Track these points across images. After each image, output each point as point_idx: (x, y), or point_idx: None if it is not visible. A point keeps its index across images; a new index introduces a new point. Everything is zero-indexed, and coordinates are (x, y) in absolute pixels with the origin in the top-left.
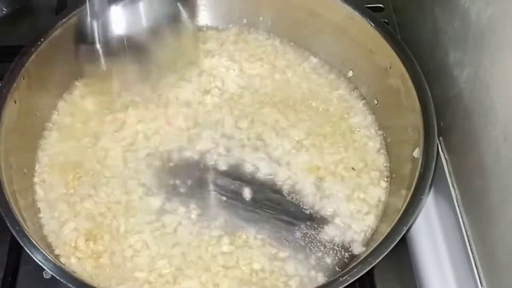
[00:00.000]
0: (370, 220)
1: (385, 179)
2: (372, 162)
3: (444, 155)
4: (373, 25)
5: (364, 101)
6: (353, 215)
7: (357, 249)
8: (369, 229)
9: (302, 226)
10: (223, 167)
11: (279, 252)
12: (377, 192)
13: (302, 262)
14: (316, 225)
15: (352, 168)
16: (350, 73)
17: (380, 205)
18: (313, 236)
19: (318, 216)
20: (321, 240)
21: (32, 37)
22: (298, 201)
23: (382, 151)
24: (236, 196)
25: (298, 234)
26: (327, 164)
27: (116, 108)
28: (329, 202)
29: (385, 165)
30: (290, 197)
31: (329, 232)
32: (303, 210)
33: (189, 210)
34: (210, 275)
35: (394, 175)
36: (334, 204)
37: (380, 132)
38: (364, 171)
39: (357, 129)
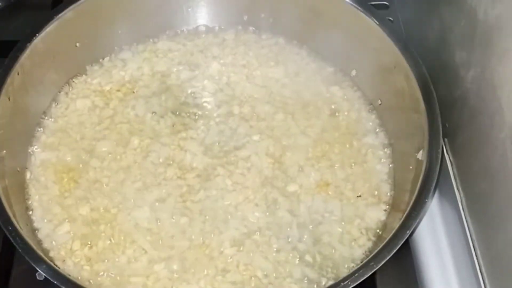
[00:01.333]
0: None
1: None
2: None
3: (449, 157)
4: (377, 23)
5: (370, 105)
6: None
7: None
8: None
9: None
10: None
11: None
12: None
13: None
14: None
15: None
16: (354, 72)
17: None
18: None
19: None
20: None
21: (27, 32)
22: None
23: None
24: None
25: None
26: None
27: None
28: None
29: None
30: None
31: None
32: None
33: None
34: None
35: (396, 176)
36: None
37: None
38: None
39: (369, 150)
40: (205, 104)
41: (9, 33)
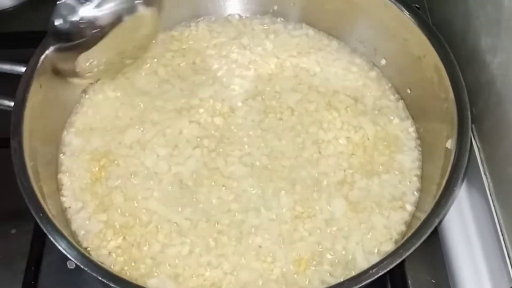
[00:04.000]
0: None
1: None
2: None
3: (476, 143)
4: (406, 12)
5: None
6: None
7: None
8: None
9: None
10: None
11: None
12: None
13: None
14: None
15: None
16: (383, 62)
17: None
18: None
19: None
20: None
21: None
22: None
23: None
24: None
25: None
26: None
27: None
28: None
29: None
30: None
31: None
32: None
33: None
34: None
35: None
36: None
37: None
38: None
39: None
40: (235, 93)
41: (39, 24)
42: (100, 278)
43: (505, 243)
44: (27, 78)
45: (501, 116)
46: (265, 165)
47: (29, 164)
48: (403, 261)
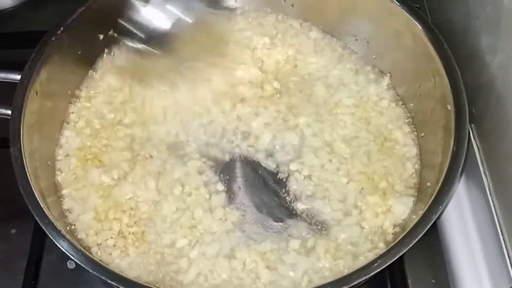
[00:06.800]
0: None
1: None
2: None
3: (476, 143)
4: (398, 4)
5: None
6: None
7: None
8: None
9: None
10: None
11: None
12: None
13: None
14: None
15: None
16: (378, 55)
17: None
18: None
19: None
20: None
21: (53, 25)
22: None
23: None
24: None
25: None
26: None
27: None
28: None
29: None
30: None
31: None
32: None
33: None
34: None
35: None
36: None
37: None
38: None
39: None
40: (241, 87)
41: (37, 24)
42: (109, 281)
43: (505, 243)
44: (23, 87)
45: (501, 116)
46: None
47: (30, 170)
48: (403, 261)
